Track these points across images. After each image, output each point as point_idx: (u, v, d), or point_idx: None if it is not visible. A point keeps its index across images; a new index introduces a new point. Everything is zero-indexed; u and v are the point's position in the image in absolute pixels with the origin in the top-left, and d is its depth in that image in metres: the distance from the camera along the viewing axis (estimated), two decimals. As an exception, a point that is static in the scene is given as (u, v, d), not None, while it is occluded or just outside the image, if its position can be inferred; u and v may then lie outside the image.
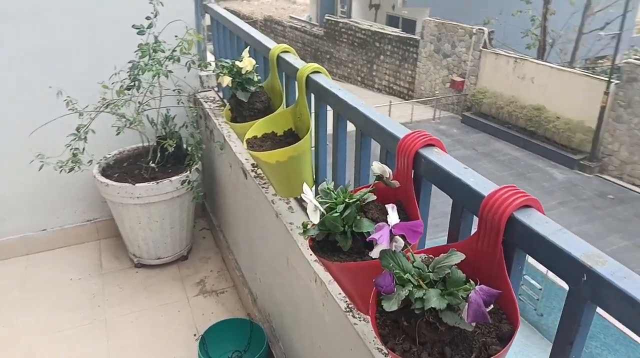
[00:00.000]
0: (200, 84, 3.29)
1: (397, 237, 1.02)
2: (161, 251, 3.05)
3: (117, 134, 2.62)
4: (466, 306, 0.88)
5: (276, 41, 2.16)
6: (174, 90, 2.68)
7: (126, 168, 3.04)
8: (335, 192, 1.24)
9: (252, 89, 1.97)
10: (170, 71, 2.50)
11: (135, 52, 2.47)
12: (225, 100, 3.05)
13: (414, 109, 15.60)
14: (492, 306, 0.92)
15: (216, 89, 3.29)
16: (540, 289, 6.28)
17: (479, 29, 15.12)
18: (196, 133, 2.84)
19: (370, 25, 18.14)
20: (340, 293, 1.57)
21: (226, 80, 1.96)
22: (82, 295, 2.87)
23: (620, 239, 10.07)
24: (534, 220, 0.92)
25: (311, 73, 1.74)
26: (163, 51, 2.45)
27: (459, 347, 0.96)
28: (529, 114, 14.20)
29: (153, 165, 2.75)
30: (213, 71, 1.96)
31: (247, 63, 1.93)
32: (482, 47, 15.14)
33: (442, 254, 0.98)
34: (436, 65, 16.19)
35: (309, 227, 1.26)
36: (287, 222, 1.94)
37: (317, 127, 1.78)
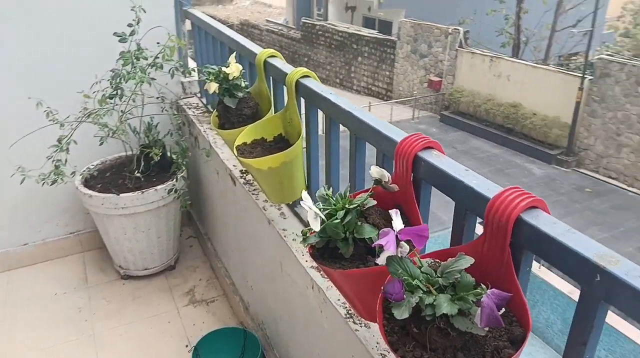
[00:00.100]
0: (183, 90, 3.25)
1: (403, 242, 1.01)
2: (148, 261, 2.99)
3: (101, 144, 2.57)
4: (479, 311, 0.87)
5: (254, 45, 2.14)
6: (157, 98, 2.63)
7: (109, 178, 2.97)
8: (334, 198, 1.22)
9: (240, 94, 1.94)
10: (153, 78, 2.45)
11: (117, 60, 2.42)
12: (209, 107, 3.02)
13: (393, 109, 15.68)
14: (503, 310, 0.91)
15: (199, 94, 3.25)
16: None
17: (455, 28, 15.28)
18: (182, 140, 2.79)
19: (347, 27, 18.19)
20: (339, 300, 1.55)
21: (213, 87, 1.93)
22: (68, 310, 2.80)
23: (599, 231, 10.24)
24: (542, 221, 0.91)
25: (301, 77, 1.72)
26: (146, 58, 2.40)
27: (471, 352, 0.94)
28: (506, 111, 14.38)
29: (139, 174, 2.70)
30: (205, 78, 1.91)
31: (234, 69, 1.90)
32: (458, 47, 15.30)
33: (449, 258, 0.97)
34: (413, 66, 16.31)
35: (308, 234, 1.24)
36: (280, 228, 1.91)
37: (309, 132, 1.76)
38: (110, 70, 2.53)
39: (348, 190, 1.26)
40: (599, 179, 13.12)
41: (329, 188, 1.23)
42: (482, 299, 0.87)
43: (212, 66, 1.98)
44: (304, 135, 1.77)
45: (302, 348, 1.98)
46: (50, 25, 2.77)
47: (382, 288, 0.96)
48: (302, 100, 1.76)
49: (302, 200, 1.19)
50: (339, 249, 1.21)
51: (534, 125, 13.90)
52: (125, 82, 2.37)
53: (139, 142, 2.93)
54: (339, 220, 1.16)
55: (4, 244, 3.10)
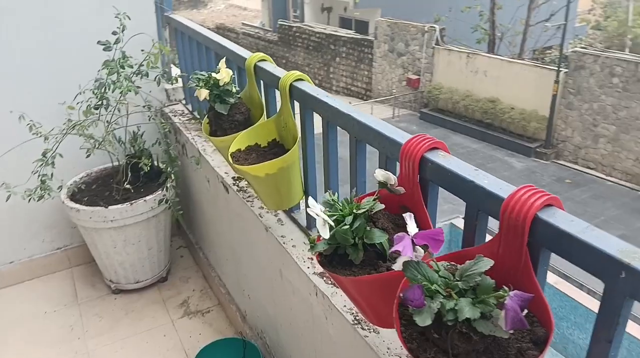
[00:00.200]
0: (167, 97, 3.19)
1: (417, 247, 0.99)
2: (139, 274, 2.93)
3: (87, 156, 2.51)
4: (502, 313, 0.85)
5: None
6: (143, 106, 2.58)
7: (96, 190, 2.91)
8: (340, 203, 1.20)
9: (231, 100, 1.91)
10: (138, 87, 2.40)
11: (101, 69, 2.37)
12: (195, 113, 2.97)
13: (373, 108, 15.72)
14: (525, 311, 0.89)
15: (184, 101, 3.20)
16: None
17: (431, 26, 15.38)
18: (170, 149, 2.74)
19: (324, 28, 18.20)
20: (345, 306, 1.53)
21: (203, 94, 1.89)
22: (60, 329, 2.73)
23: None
24: (560, 219, 0.90)
25: (294, 81, 1.69)
26: (131, 66, 2.35)
27: (494, 355, 0.93)
28: (485, 107, 14.53)
29: (128, 186, 2.64)
30: (195, 85, 1.87)
31: (224, 74, 1.87)
32: (435, 44, 15.41)
33: (467, 261, 0.95)
34: (391, 65, 16.37)
35: (315, 242, 1.22)
36: (279, 235, 1.88)
37: (304, 136, 1.73)
38: (95, 80, 2.48)
39: (354, 195, 1.24)
40: (578, 170, 13.33)
41: (333, 194, 1.21)
42: (505, 301, 0.85)
43: (202, 72, 1.95)
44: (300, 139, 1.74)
45: (305, 356, 1.95)
46: (30, 36, 2.70)
47: (400, 294, 0.94)
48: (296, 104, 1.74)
49: (308, 207, 1.17)
50: (348, 255, 1.19)
51: (512, 119, 14.06)
52: (112, 92, 2.32)
53: (125, 152, 2.87)
54: (348, 226, 1.14)
55: (-12, 263, 3.01)
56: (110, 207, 2.64)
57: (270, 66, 1.87)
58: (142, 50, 2.44)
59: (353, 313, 1.50)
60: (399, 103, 16.08)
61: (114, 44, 2.28)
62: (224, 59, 1.91)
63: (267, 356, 2.34)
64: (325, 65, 18.07)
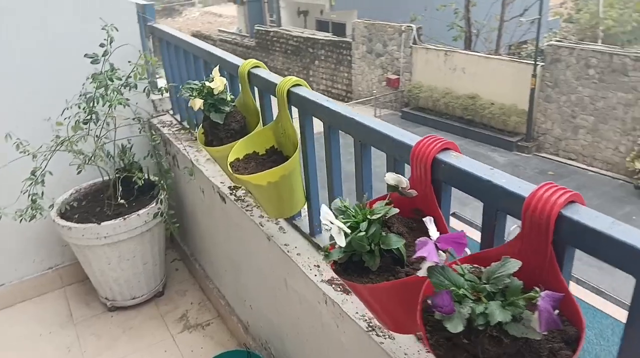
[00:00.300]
0: (154, 108, 3.14)
1: (441, 251, 0.97)
2: (135, 290, 2.87)
3: (79, 173, 2.45)
4: (536, 315, 0.84)
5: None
6: (133, 119, 2.53)
7: (86, 207, 2.85)
8: (353, 209, 1.17)
9: (227, 109, 1.88)
10: (127, 99, 2.35)
11: (90, 82, 2.31)
12: (184, 123, 2.92)
13: (355, 110, 15.69)
14: (557, 311, 0.88)
15: (171, 111, 3.15)
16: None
17: (407, 26, 15.47)
18: (162, 161, 2.69)
19: (302, 32, 18.20)
20: (357, 313, 1.50)
21: (197, 103, 1.85)
22: (56, 351, 2.66)
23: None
24: (585, 215, 0.89)
25: (292, 86, 1.67)
26: (120, 79, 2.30)
27: (526, 357, 0.91)
28: (465, 103, 14.64)
29: (122, 201, 2.59)
30: (188, 95, 1.83)
31: (218, 83, 1.84)
32: (412, 44, 15.49)
33: (493, 263, 0.93)
34: (370, 65, 16.43)
35: (329, 250, 1.19)
36: (282, 244, 1.85)
37: (304, 141, 1.70)
38: (80, 94, 2.42)
39: (366, 200, 1.22)
40: (559, 162, 13.50)
41: (348, 200, 1.18)
42: (538, 303, 0.84)
43: (194, 81, 1.91)
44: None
45: (315, 364, 1.92)
46: (13, 52, 2.63)
47: (427, 300, 0.92)
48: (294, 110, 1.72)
49: (320, 215, 1.14)
50: (364, 262, 1.17)
51: (493, 114, 14.19)
52: (103, 106, 2.26)
53: (114, 167, 2.81)
54: (364, 233, 1.11)
55: (-23, 287, 2.93)
56: (102, 223, 2.59)
57: (264, 72, 1.85)
58: (129, 62, 2.40)
59: (366, 320, 1.48)
60: (380, 103, 16.14)
61: (102, 56, 2.23)
62: (217, 67, 1.88)
63: (272, 366, 2.31)
64: (304, 68, 18.07)
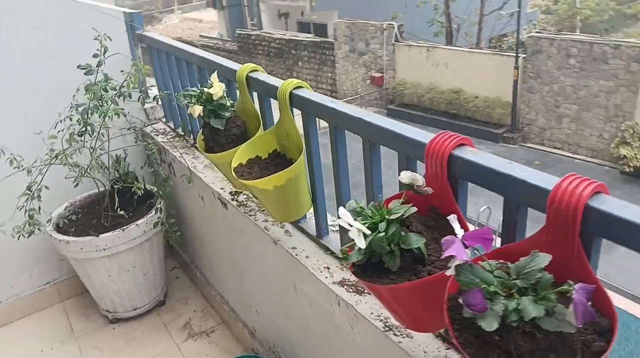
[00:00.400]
0: (146, 117, 3.11)
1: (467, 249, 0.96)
2: (137, 301, 2.83)
3: (76, 186, 2.41)
4: (571, 308, 0.83)
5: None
6: (128, 129, 2.49)
7: (82, 220, 2.80)
8: (370, 211, 1.16)
9: (227, 114, 1.86)
10: (122, 109, 2.32)
11: (82, 94, 2.28)
12: (178, 130, 2.89)
13: (340, 109, 15.73)
14: (590, 302, 0.87)
15: (164, 119, 3.11)
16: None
17: (389, 24, 15.52)
18: (160, 169, 2.66)
19: (284, 34, 18.18)
20: (372, 313, 1.49)
21: (197, 110, 1.83)
22: (60, 366, 2.62)
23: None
24: (612, 206, 0.88)
25: (294, 89, 1.65)
26: (114, 89, 2.26)
27: (560, 351, 0.90)
28: (449, 98, 14.73)
29: (122, 212, 2.55)
30: (187, 102, 1.81)
31: (217, 88, 1.82)
32: (395, 41, 15.55)
33: (521, 258, 0.93)
34: (354, 64, 16.45)
35: (347, 253, 1.18)
36: (289, 247, 1.83)
37: (309, 144, 1.69)
38: (71, 106, 2.38)
39: (381, 200, 1.20)
40: (545, 151, 13.63)
41: (365, 201, 1.17)
42: (572, 296, 0.83)
43: (192, 88, 1.89)
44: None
45: (328, 367, 1.90)
46: (3, 65, 2.58)
47: (459, 299, 0.91)
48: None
49: (339, 217, 1.13)
50: (383, 263, 1.16)
51: (477, 107, 14.29)
52: (100, 117, 2.23)
53: (109, 177, 2.77)
54: (383, 233, 1.10)
55: (-26, 306, 2.87)
56: (101, 236, 2.54)
57: (264, 76, 1.83)
58: (122, 71, 2.36)
59: (382, 320, 1.47)
60: (365, 101, 16.17)
61: (97, 66, 2.19)
62: (215, 73, 1.85)
63: (282, 371, 2.29)
64: (288, 70, 18.03)
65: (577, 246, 0.93)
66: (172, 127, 2.96)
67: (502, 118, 14.01)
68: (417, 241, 1.10)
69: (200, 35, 22.30)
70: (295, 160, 1.71)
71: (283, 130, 1.76)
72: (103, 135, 2.46)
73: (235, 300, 2.64)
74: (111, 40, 2.24)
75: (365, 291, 1.58)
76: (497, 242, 1.13)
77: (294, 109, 1.70)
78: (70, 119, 2.43)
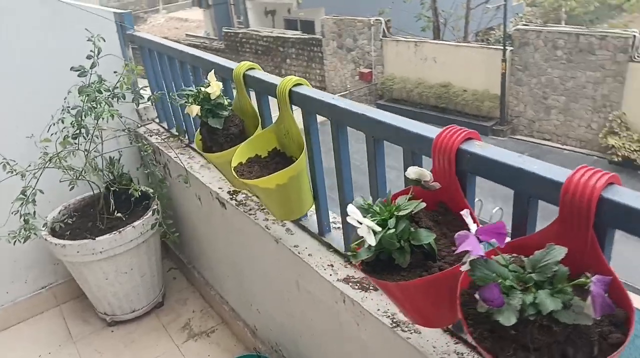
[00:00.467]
0: (139, 117, 3.07)
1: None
2: (135, 303, 2.81)
3: (72, 189, 2.38)
4: (589, 300, 0.83)
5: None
6: (123, 130, 2.46)
7: (77, 223, 2.76)
8: (377, 207, 1.15)
9: (225, 113, 1.84)
10: (117, 110, 2.29)
11: (75, 96, 2.24)
12: (172, 131, 2.86)
13: (329, 106, 15.72)
14: (607, 294, 0.87)
15: (157, 120, 3.08)
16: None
17: (376, 19, 15.50)
18: (156, 171, 2.63)
19: (271, 32, 18.10)
20: (379, 310, 1.49)
21: (195, 110, 1.81)
22: (59, 372, 2.59)
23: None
24: (627, 197, 0.88)
25: (293, 86, 1.64)
26: (108, 90, 2.23)
27: (577, 344, 0.90)
28: (438, 92, 14.75)
29: (119, 214, 2.52)
30: (185, 102, 1.79)
31: (215, 87, 1.80)
32: (382, 37, 15.54)
33: (536, 251, 0.92)
34: (342, 61, 16.43)
35: (355, 250, 1.17)
36: (291, 245, 1.82)
37: (310, 141, 1.67)
38: (66, 109, 2.35)
39: (389, 196, 1.19)
40: (534, 143, 13.71)
41: (372, 198, 1.16)
42: (590, 288, 0.83)
43: (189, 88, 1.87)
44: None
45: (334, 365, 1.89)
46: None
47: (476, 295, 0.90)
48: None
49: (348, 215, 1.12)
50: (393, 260, 1.15)
51: (466, 101, 14.32)
52: (94, 119, 2.19)
53: (103, 180, 2.74)
54: (393, 230, 1.09)
55: (-32, 313, 2.83)
56: (98, 238, 2.51)
57: (262, 74, 1.81)
58: (115, 72, 2.33)
59: (389, 316, 1.46)
60: (355, 97, 16.14)
61: (90, 68, 2.16)
62: (212, 72, 1.83)
63: (285, 370, 2.28)
64: (276, 68, 17.98)
65: (591, 238, 0.92)
66: (166, 127, 2.93)
67: (491, 111, 14.06)
68: (427, 237, 1.10)
69: (187, 35, 22.15)
70: (296, 158, 1.70)
71: (283, 128, 1.75)
72: (97, 137, 2.42)
73: (235, 299, 2.63)
74: (105, 41, 2.20)
75: (371, 288, 1.57)
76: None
77: (293, 106, 1.68)
78: (62, 122, 2.40)
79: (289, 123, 1.70)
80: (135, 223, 2.59)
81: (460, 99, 14.39)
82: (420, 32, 16.71)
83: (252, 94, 1.90)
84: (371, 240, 1.08)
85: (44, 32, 2.65)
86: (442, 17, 17.17)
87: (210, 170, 2.40)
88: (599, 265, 0.92)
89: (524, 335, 0.90)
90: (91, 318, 2.90)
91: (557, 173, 0.96)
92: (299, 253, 1.78)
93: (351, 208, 1.11)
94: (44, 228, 2.49)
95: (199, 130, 1.92)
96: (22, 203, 2.21)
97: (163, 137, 2.86)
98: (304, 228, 1.88)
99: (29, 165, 2.25)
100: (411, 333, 1.40)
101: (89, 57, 2.16)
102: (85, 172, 2.38)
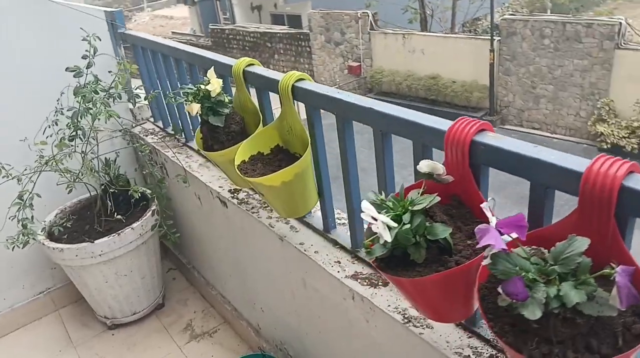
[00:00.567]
0: (133, 117, 3.03)
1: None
2: (135, 305, 2.78)
3: (69, 192, 2.34)
4: (614, 291, 0.82)
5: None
6: (120, 131, 2.43)
7: (74, 226, 2.72)
8: (390, 202, 1.14)
9: (225, 111, 1.81)
10: (114, 111, 2.25)
11: (71, 97, 2.20)
12: (168, 130, 2.83)
13: (319, 100, 15.68)
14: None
15: (152, 119, 3.04)
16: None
17: (363, 12, 15.45)
18: (155, 171, 2.60)
19: (258, 27, 17.99)
20: (389, 306, 1.47)
21: (195, 108, 1.78)
22: (61, 377, 2.56)
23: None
24: (648, 185, 0.87)
25: (296, 81, 1.61)
26: (105, 90, 2.20)
27: (600, 335, 0.89)
28: (427, 84, 14.76)
29: (119, 216, 2.48)
30: (184, 100, 1.76)
31: (215, 85, 1.77)
32: (370, 30, 15.49)
33: (557, 243, 0.91)
34: (330, 55, 16.38)
35: (369, 247, 1.15)
36: (297, 243, 1.80)
37: (314, 137, 1.65)
38: (59, 110, 2.31)
39: (401, 190, 1.18)
40: (524, 132, 13.76)
41: (384, 194, 1.15)
42: (616, 278, 0.82)
43: (189, 86, 1.84)
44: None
45: (343, 362, 1.88)
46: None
47: (499, 289, 0.89)
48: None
49: (362, 211, 1.10)
50: (407, 255, 1.13)
51: (455, 92, 14.34)
52: (95, 120, 2.16)
53: (99, 181, 2.70)
54: (409, 225, 1.08)
55: (-34, 321, 2.78)
56: (97, 241, 2.48)
57: (262, 70, 1.79)
58: (110, 72, 2.29)
59: (400, 312, 1.45)
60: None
61: (87, 68, 2.12)
62: (212, 69, 1.80)
63: (291, 368, 2.26)
64: (264, 63, 17.75)
65: (612, 227, 0.92)
66: (162, 126, 2.90)
67: (480, 101, 14.09)
68: (443, 231, 1.08)
69: (173, 32, 21.94)
70: (299, 154, 1.68)
71: (286, 124, 1.72)
72: (93, 139, 2.39)
73: (237, 298, 2.61)
74: (100, 40, 2.16)
75: (380, 283, 1.56)
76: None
77: (296, 102, 1.66)
78: (57, 124, 2.37)
79: (293, 119, 1.68)
80: (135, 225, 2.56)
81: (450, 90, 14.41)
82: (407, 24, 16.68)
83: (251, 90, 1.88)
84: (387, 236, 1.06)
85: (33, 32, 2.60)
86: (428, 9, 17.14)
87: (209, 169, 2.38)
88: (620, 255, 0.92)
89: (546, 328, 0.89)
90: (91, 322, 2.86)
91: (576, 162, 0.95)
92: (305, 250, 1.76)
93: (366, 205, 1.09)
94: (42, 233, 2.45)
95: (199, 128, 1.90)
96: (20, 208, 2.16)
97: (159, 136, 2.83)
98: (309, 225, 1.87)
99: (25, 169, 2.21)
100: (424, 328, 1.39)
101: (84, 57, 2.11)
102: (82, 175, 2.34)
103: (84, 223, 2.73)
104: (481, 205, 0.98)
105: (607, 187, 0.88)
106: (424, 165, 1.17)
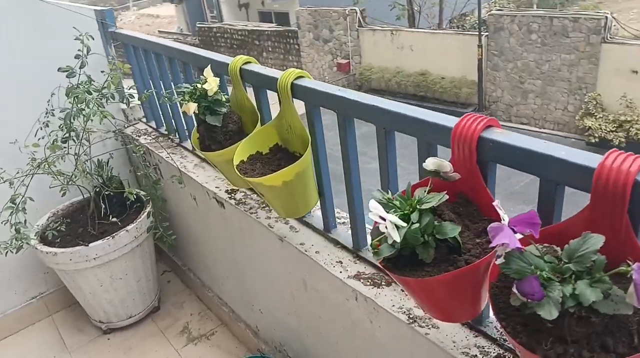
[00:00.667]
0: (125, 118, 2.99)
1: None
2: (131, 309, 2.74)
3: (63, 195, 2.30)
4: (631, 289, 0.81)
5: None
6: (114, 131, 2.39)
7: (67, 230, 2.68)
8: (397, 201, 1.12)
9: (223, 110, 1.78)
10: (108, 111, 2.21)
11: (56, 98, 2.16)
12: (161, 130, 2.79)
13: (308, 98, 15.64)
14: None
15: (144, 119, 3.00)
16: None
17: (351, 9, 15.42)
18: (149, 172, 2.56)
19: (245, 25, 17.91)
20: (394, 306, 1.46)
21: (192, 107, 1.75)
22: (57, 383, 2.52)
23: (526, 177, 10.82)
24: (663, 181, 0.86)
25: (295, 79, 1.59)
26: (98, 90, 2.16)
27: (616, 334, 0.88)
28: (416, 80, 14.78)
29: (115, 219, 2.45)
30: (181, 99, 1.73)
31: (212, 83, 1.74)
32: (358, 26, 15.48)
33: (571, 241, 0.90)
34: (319, 52, 16.34)
35: (376, 247, 1.13)
36: (297, 243, 1.78)
37: (314, 135, 1.63)
38: (61, 110, 2.27)
39: (408, 189, 1.16)
40: (513, 127, 13.83)
41: (391, 193, 1.13)
42: (633, 276, 0.81)
43: (185, 85, 1.81)
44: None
45: (346, 362, 1.86)
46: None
47: (514, 288, 0.87)
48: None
49: (370, 211, 1.08)
50: (415, 255, 1.12)
51: (444, 88, 14.38)
52: (86, 122, 2.12)
53: (92, 183, 2.66)
54: (418, 225, 1.06)
55: (-43, 328, 2.73)
56: (91, 245, 2.44)
57: (260, 68, 1.77)
58: (103, 72, 2.25)
59: (405, 312, 1.44)
60: (333, 89, 16.08)
61: (80, 68, 2.08)
62: (208, 67, 1.77)
63: (292, 369, 2.24)
64: (252, 61, 17.79)
65: (625, 224, 0.90)
66: (155, 126, 2.86)
67: (469, 97, 14.14)
68: (453, 230, 1.07)
69: (159, 31, 21.78)
70: (299, 153, 1.66)
71: (285, 122, 1.70)
72: (86, 140, 2.35)
73: (235, 300, 2.58)
74: (93, 39, 2.12)
75: (383, 283, 1.54)
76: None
77: (295, 100, 1.64)
78: (48, 125, 2.32)
79: (292, 117, 1.66)
80: (129, 227, 2.52)
81: (439, 86, 14.44)
82: (395, 21, 16.68)
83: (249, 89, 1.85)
84: (396, 236, 1.05)
85: (22, 31, 2.55)
86: (416, 5, 17.15)
87: (205, 169, 2.35)
88: (634, 252, 0.90)
89: (560, 327, 0.88)
90: (85, 326, 2.82)
91: (588, 158, 0.94)
92: (305, 251, 1.74)
93: (374, 204, 1.07)
94: (35, 237, 2.40)
95: (195, 128, 1.87)
96: (12, 212, 2.12)
97: (152, 137, 2.79)
98: (309, 225, 1.85)
99: (17, 172, 2.17)
100: (429, 328, 1.37)
101: (77, 57, 2.07)
102: (75, 177, 2.30)
103: (77, 226, 2.68)
104: (493, 203, 0.97)
105: (621, 183, 0.87)
106: (430, 163, 1.15)
